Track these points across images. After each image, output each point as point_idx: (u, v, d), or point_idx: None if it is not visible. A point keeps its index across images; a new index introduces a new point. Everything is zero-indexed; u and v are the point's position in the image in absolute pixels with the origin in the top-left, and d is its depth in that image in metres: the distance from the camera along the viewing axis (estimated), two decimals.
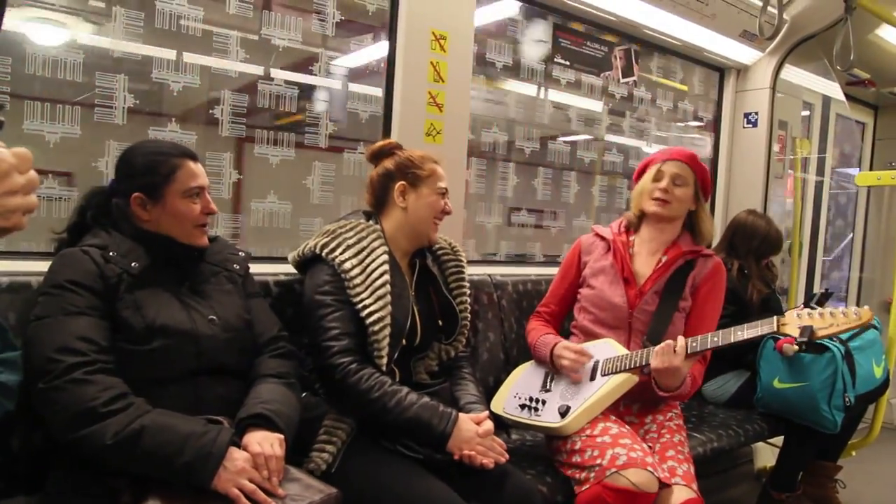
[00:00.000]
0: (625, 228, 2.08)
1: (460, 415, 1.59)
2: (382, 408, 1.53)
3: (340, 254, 1.62)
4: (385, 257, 1.66)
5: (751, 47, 3.46)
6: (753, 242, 2.79)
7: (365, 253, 1.65)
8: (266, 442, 1.30)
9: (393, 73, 2.26)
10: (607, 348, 1.89)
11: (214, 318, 1.44)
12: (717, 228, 3.54)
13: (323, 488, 1.30)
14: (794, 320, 1.61)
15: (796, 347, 2.29)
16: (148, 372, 1.32)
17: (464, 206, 2.47)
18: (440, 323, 1.81)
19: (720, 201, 3.67)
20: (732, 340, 1.67)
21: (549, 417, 1.84)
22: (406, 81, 2.23)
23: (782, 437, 2.61)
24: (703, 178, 2.01)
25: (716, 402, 2.71)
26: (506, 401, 2.00)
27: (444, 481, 1.51)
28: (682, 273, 1.96)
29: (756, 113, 3.57)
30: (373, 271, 1.63)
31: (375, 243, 1.67)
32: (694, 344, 1.70)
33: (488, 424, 1.62)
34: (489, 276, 2.43)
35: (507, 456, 1.61)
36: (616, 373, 1.80)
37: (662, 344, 1.72)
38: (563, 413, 1.80)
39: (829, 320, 1.57)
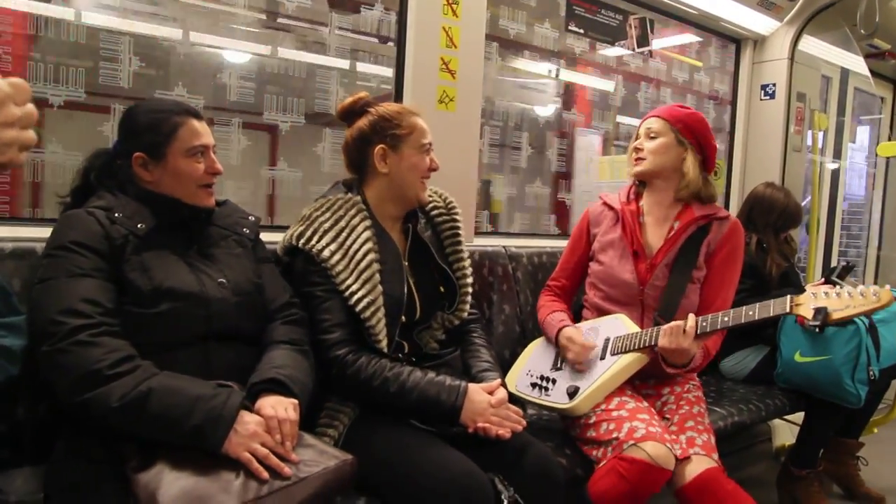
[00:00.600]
0: (634, 196, 1.99)
1: (470, 385, 1.51)
2: (386, 394, 1.47)
3: (317, 242, 1.53)
4: (367, 234, 1.57)
5: (768, 16, 3.37)
6: (772, 216, 2.71)
7: (345, 234, 1.55)
8: (279, 406, 1.25)
9: (404, 39, 2.20)
10: (618, 325, 1.82)
11: (224, 281, 1.40)
12: (734, 201, 3.51)
13: (338, 454, 1.25)
14: (810, 300, 1.52)
15: None
16: (156, 336, 1.28)
17: (477, 176, 2.41)
18: (441, 290, 1.71)
19: (737, 174, 3.61)
20: (743, 321, 1.60)
21: (558, 398, 1.79)
22: (418, 47, 2.17)
23: (802, 414, 2.56)
24: (685, 127, 1.86)
25: (734, 378, 2.65)
26: (518, 378, 1.95)
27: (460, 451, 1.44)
28: (695, 241, 1.86)
29: (774, 84, 3.49)
30: (356, 252, 1.54)
31: (356, 220, 1.58)
32: (704, 324, 1.64)
33: (501, 393, 1.54)
34: (504, 247, 2.38)
35: (524, 423, 1.54)
36: (626, 352, 1.74)
37: (671, 324, 1.65)
38: (572, 394, 1.75)
39: (846, 301, 1.48)
